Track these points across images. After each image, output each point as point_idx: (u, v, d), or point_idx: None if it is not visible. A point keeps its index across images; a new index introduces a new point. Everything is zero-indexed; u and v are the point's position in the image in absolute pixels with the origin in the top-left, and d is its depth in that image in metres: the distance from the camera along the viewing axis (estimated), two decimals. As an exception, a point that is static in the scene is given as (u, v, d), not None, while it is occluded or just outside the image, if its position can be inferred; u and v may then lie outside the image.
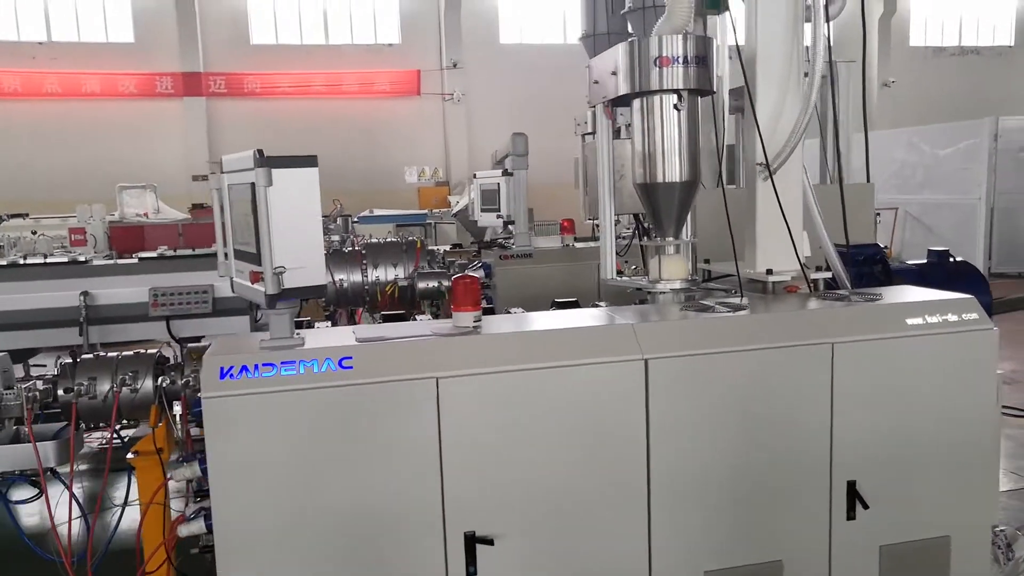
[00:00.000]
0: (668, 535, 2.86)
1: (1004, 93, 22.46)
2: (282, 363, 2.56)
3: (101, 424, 3.13)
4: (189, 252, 6.56)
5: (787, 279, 3.50)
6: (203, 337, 6.36)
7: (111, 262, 6.41)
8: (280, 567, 2.57)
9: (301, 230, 2.49)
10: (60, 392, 2.96)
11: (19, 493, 3.17)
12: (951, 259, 4.28)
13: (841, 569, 3.03)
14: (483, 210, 7.04)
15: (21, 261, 6.15)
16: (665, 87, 3.36)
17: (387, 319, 3.51)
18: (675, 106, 3.39)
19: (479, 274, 5.68)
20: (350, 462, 2.59)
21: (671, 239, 3.54)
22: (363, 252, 6.43)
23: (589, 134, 8.14)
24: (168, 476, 2.77)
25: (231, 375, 2.52)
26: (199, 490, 2.70)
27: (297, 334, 2.71)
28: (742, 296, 3.34)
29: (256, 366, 2.54)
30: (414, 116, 19.99)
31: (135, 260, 6.31)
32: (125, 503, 3.29)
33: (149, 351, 3.12)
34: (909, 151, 14.50)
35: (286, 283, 2.45)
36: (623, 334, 2.82)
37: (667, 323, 2.97)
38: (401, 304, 6.39)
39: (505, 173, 6.80)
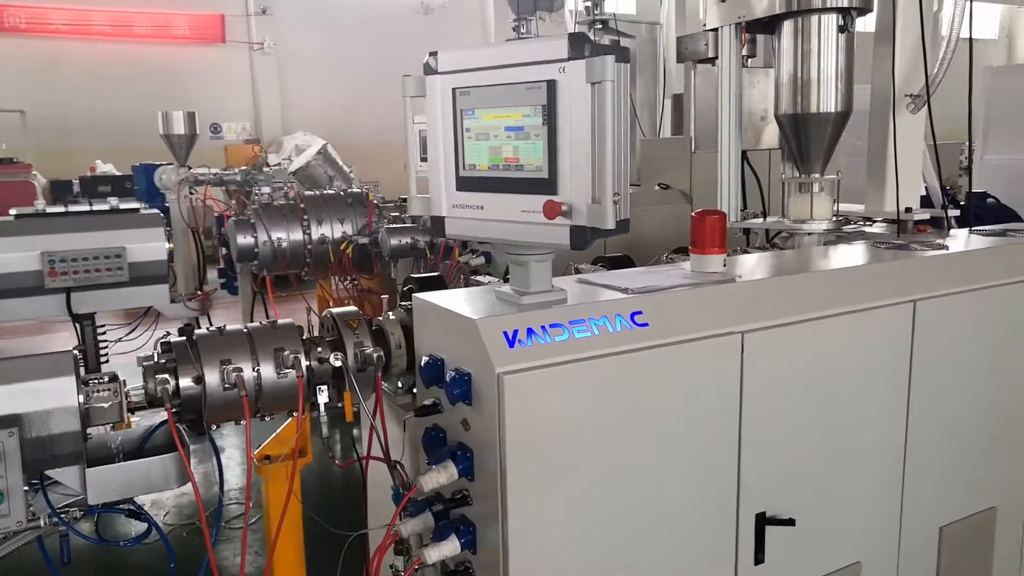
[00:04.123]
0: (916, 493, 2.62)
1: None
2: (570, 323, 1.96)
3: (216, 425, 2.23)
4: (86, 208, 5.16)
5: (926, 217, 3.38)
6: (96, 314, 5.14)
7: (-26, 221, 4.88)
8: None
9: (619, 147, 1.87)
10: (188, 382, 2.05)
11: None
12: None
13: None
14: (424, 159, 6.24)
15: None
16: (828, 5, 3.06)
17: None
18: (840, 27, 3.10)
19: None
20: (652, 436, 2.06)
21: (817, 175, 3.28)
22: (303, 206, 5.50)
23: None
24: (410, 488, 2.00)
25: (519, 341, 1.88)
26: (449, 500, 2.00)
27: (554, 285, 2.09)
28: (898, 233, 3.17)
29: (544, 328, 1.92)
30: (219, 67, 17.90)
31: (10, 218, 4.86)
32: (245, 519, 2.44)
33: (284, 321, 2.28)
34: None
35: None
36: (889, 273, 2.51)
37: (925, 260, 2.68)
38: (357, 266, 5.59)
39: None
